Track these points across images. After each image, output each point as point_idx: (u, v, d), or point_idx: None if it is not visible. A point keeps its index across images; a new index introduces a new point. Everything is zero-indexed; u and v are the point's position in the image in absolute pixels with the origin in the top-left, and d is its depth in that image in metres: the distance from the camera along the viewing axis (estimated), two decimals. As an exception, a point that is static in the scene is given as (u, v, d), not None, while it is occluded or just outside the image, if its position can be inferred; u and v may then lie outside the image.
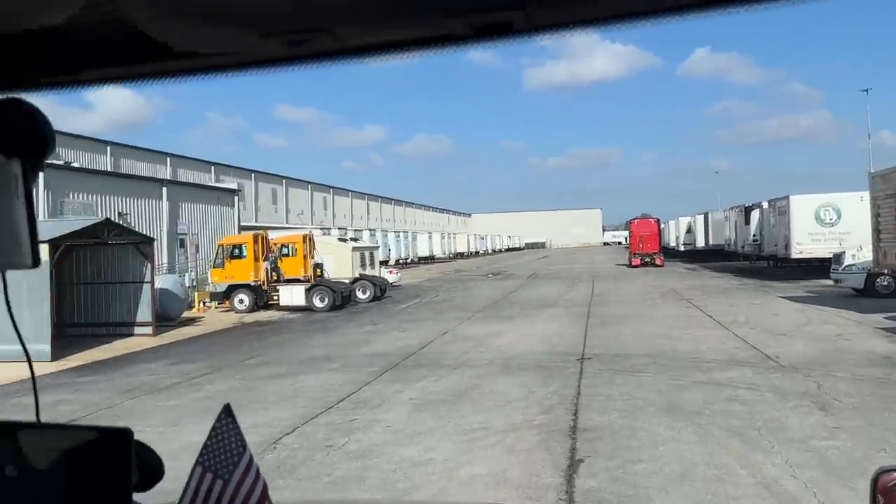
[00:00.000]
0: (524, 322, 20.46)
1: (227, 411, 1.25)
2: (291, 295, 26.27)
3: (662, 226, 57.90)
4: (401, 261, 79.04)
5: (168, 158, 58.97)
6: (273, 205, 78.34)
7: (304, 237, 29.42)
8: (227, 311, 26.64)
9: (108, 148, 51.72)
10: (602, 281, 38.10)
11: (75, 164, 35.13)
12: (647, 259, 51.62)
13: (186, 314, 26.34)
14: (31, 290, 15.82)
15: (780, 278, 33.19)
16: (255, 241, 26.93)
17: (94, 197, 29.48)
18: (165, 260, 33.03)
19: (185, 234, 35.13)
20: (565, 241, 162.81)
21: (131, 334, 19.81)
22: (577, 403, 10.20)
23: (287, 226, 60.97)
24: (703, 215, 58.89)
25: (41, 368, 15.13)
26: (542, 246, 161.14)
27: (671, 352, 14.32)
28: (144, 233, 32.23)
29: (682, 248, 65.30)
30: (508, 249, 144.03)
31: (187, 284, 28.94)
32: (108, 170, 41.07)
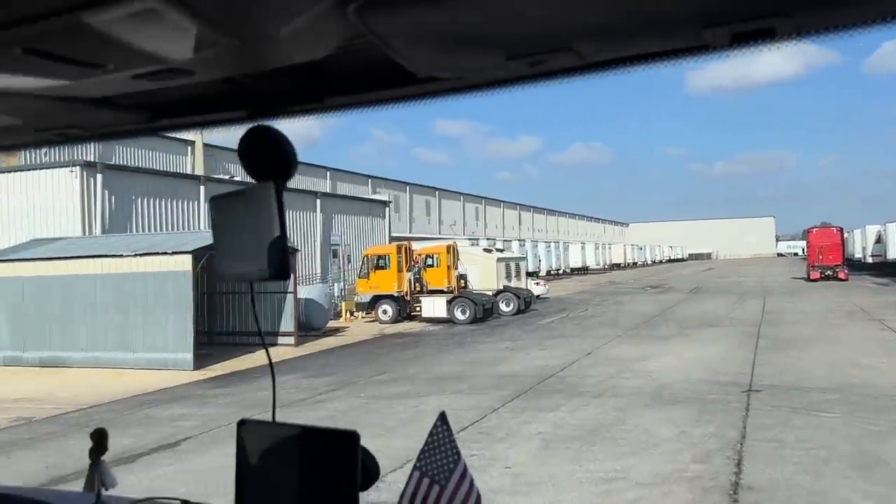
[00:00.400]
0: (681, 343, 18.34)
1: (442, 418, 1.38)
2: (433, 306, 25.70)
3: (846, 235, 51.82)
4: (552, 272, 77.32)
5: (328, 172, 61.42)
6: (427, 216, 79.52)
7: (448, 248, 28.85)
8: (372, 321, 26.56)
9: (327, 173, 54.42)
10: (775, 296, 34.35)
11: (237, 178, 37.08)
12: (829, 272, 46.31)
13: (333, 324, 26.58)
14: (177, 300, 16.22)
15: None
16: (399, 252, 26.69)
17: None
18: (318, 270, 33.89)
19: (338, 244, 35.88)
20: (734, 251, 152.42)
21: (275, 344, 19.99)
22: (741, 450, 8.39)
23: (439, 236, 61.23)
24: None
25: (182, 377, 15.39)
26: (707, 257, 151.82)
27: (863, 386, 11.88)
28: (298, 244, 33.36)
29: (870, 259, 58.22)
30: (670, 261, 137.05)
31: (337, 294, 29.32)
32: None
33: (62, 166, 22.19)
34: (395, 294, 26.26)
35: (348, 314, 27.73)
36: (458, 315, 25.34)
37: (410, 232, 69.92)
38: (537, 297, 37.66)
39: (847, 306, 27.26)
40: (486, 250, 34.60)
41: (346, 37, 0.79)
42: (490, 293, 28.70)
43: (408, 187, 75.34)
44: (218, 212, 1.16)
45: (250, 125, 1.05)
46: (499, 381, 13.40)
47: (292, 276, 20.23)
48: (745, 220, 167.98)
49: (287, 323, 20.18)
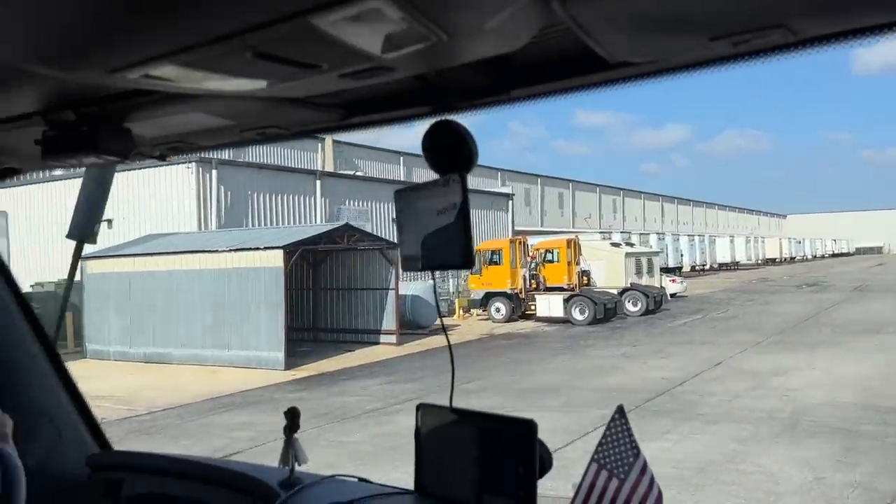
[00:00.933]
0: (833, 354, 15.54)
1: (620, 411, 1.39)
2: (549, 305, 23.98)
3: None
4: (697, 268, 72.43)
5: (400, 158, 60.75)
6: (559, 209, 77.14)
7: (569, 242, 26.96)
8: (486, 319, 25.27)
9: (402, 158, 54.58)
10: (959, 298, 29.43)
11: (359, 174, 37.09)
12: None
13: (447, 321, 25.57)
14: (268, 297, 15.75)
15: None
16: (513, 247, 25.16)
17: (369, 203, 30.38)
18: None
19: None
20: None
21: (377, 342, 19.23)
22: (898, 514, 6.28)
23: (572, 230, 58.88)
24: None
25: (274, 377, 14.86)
26: (877, 251, 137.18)
27: None
28: (416, 238, 32.84)
29: None
30: (833, 255, 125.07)
31: (452, 291, 28.31)
32: (392, 178, 42.78)
33: (179, 162, 22.66)
34: (509, 291, 24.78)
35: (462, 312, 26.57)
36: (576, 315, 23.46)
37: (542, 225, 68.04)
38: (673, 295, 34.80)
39: None
40: (613, 244, 32.30)
41: (541, 26, 0.79)
42: (615, 291, 26.52)
43: (539, 179, 73.36)
44: (403, 204, 1.18)
45: (435, 119, 1.07)
46: (601, 397, 11.63)
47: (393, 270, 19.38)
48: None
49: (389, 320, 19.34)
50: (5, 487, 1.16)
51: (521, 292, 24.98)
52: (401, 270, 23.22)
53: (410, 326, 21.52)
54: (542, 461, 1.38)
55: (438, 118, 1.08)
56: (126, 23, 0.69)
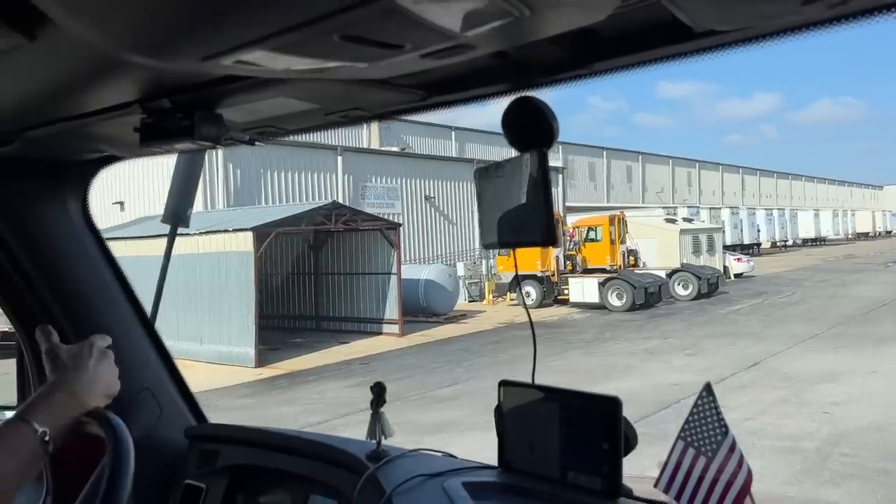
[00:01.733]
0: (905, 352, 12.75)
1: (708, 389, 1.28)
2: (583, 289, 21.61)
3: None
4: (779, 244, 67.56)
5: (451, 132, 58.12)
6: (628, 183, 73.29)
7: (612, 218, 24.43)
8: (516, 304, 23.14)
9: (453, 133, 52.45)
10: None
11: (411, 150, 35.28)
12: None
13: (474, 307, 23.64)
14: (238, 285, 14.21)
15: None
16: (544, 225, 22.84)
17: (399, 180, 28.59)
18: (477, 247, 31.13)
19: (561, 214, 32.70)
20: None
21: (380, 332, 17.49)
22: None
23: (642, 205, 55.45)
24: None
25: (242, 376, 13.34)
26: None
27: None
28: (452, 216, 30.77)
29: None
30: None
31: (484, 273, 26.21)
32: (435, 153, 40.70)
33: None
34: (539, 274, 22.51)
35: (491, 296, 24.48)
36: (613, 300, 21.01)
37: (608, 201, 64.69)
38: (739, 275, 31.71)
39: None
40: (668, 220, 29.41)
41: None
42: (663, 273, 23.85)
43: (605, 152, 69.71)
44: (483, 182, 1.17)
45: (514, 96, 1.06)
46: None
47: (395, 253, 17.52)
48: None
49: (392, 308, 17.53)
50: (115, 457, 1.19)
51: (553, 275, 22.67)
52: (481, 248, 21.53)
53: (425, 314, 19.69)
54: (626, 439, 1.34)
55: (518, 94, 1.06)
56: (218, 10, 0.71)
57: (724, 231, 33.52)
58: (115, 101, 1.15)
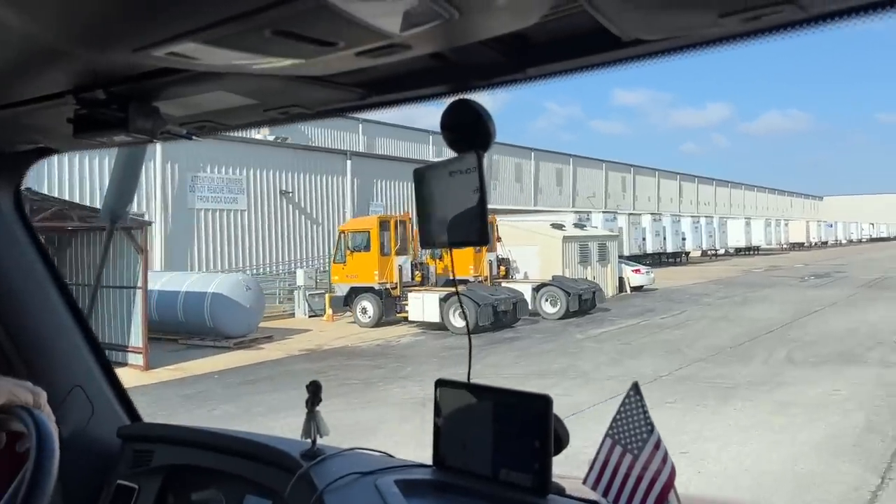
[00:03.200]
0: (755, 411, 9.47)
1: (635, 388, 1.32)
2: (423, 306, 18.02)
3: None
4: (710, 252, 65.54)
5: (430, 137, 54.69)
6: (557, 186, 70.47)
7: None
8: (353, 322, 19.46)
9: (360, 126, 48.62)
10: None
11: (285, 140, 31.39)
12: None
13: (309, 323, 19.89)
14: None
15: None
16: (383, 228, 19.19)
17: (247, 171, 24.68)
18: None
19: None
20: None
21: (125, 362, 13.59)
22: None
23: (569, 210, 52.28)
24: None
25: None
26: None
27: None
28: (317, 214, 26.91)
29: None
30: (871, 240, 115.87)
31: (301, 284, 22.14)
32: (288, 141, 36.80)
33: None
34: (378, 286, 18.87)
35: (331, 311, 20.69)
36: (455, 320, 17.49)
37: (535, 204, 61.81)
38: (639, 288, 28.65)
39: None
40: (555, 226, 26.11)
41: (553, 4, 0.79)
42: (530, 287, 20.49)
43: (532, 153, 66.73)
44: (421, 183, 1.19)
45: (453, 98, 1.08)
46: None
47: (142, 259, 13.62)
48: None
49: (136, 334, 13.61)
50: (39, 453, 1.16)
51: (396, 288, 19.05)
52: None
53: (215, 336, 15.87)
54: (558, 437, 1.37)
55: (457, 97, 1.08)
56: (149, 1, 0.72)
57: (619, 239, 30.32)
58: (47, 90, 1.14)
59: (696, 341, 15.55)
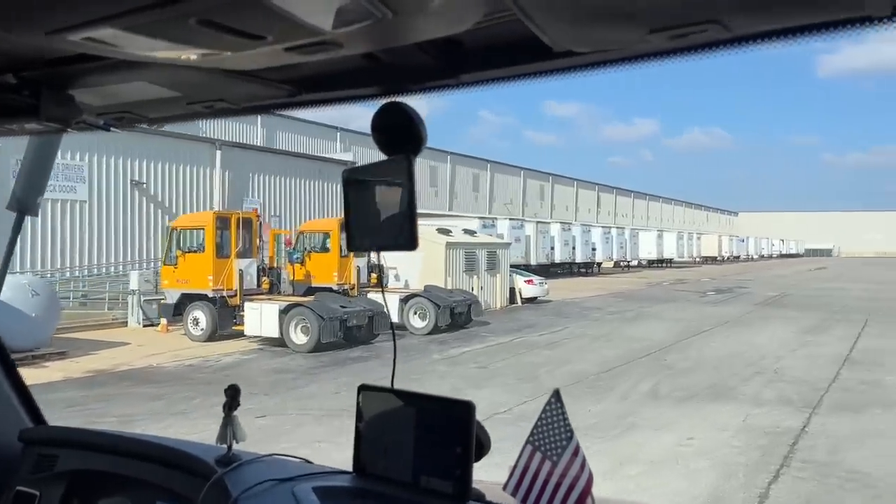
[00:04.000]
0: (594, 461, 7.41)
1: (556, 396, 1.34)
2: (261, 318, 15.55)
3: None
4: (622, 264, 65.23)
5: (338, 133, 52.16)
6: (474, 192, 68.95)
7: (342, 222, 18.63)
8: (185, 334, 16.80)
9: (259, 119, 45.54)
10: (885, 322, 21.89)
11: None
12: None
13: (135, 334, 17.14)
14: None
15: None
16: (222, 226, 16.64)
17: (90, 157, 21.65)
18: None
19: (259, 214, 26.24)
20: (858, 248, 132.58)
21: None
22: None
23: (482, 216, 50.33)
24: None
25: None
26: (826, 253, 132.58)
27: None
28: (174, 208, 24.04)
29: None
30: (781, 256, 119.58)
31: (134, 289, 19.09)
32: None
33: None
34: (212, 294, 16.30)
35: (164, 321, 17.89)
36: (297, 336, 15.11)
37: (450, 209, 60.00)
38: (532, 299, 26.96)
39: None
40: (441, 231, 24.09)
41: (486, 11, 0.79)
42: (397, 297, 18.34)
43: (449, 157, 64.96)
44: (350, 184, 1.18)
45: (385, 100, 1.07)
46: None
47: None
48: (874, 213, 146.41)
49: None
50: None
51: (237, 295, 16.51)
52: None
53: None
54: (480, 443, 1.38)
55: (389, 99, 1.07)
56: None
57: (510, 247, 28.59)
58: None
59: (562, 366, 13.71)
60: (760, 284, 41.86)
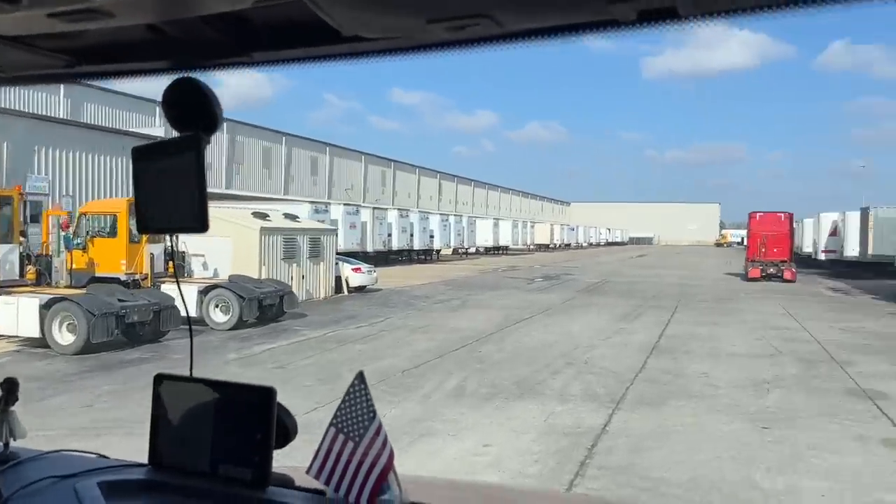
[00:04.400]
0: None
1: (360, 378, 1.31)
2: (17, 315, 13.13)
3: (795, 225, 41.10)
4: (461, 251, 65.79)
5: (157, 107, 47.84)
6: (312, 175, 66.59)
7: (131, 203, 16.36)
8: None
9: (62, 88, 40.55)
10: (692, 307, 22.94)
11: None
12: (772, 270, 35.59)
13: None
14: None
15: None
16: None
17: None
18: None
19: (43, 193, 22.86)
20: (676, 237, 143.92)
21: None
22: None
23: (326, 201, 47.90)
24: (858, 212, 41.51)
25: None
26: (648, 242, 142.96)
27: None
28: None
29: (821, 256, 47.85)
30: (608, 244, 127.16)
31: None
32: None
33: None
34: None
35: None
36: (59, 336, 12.87)
37: (286, 193, 57.36)
38: (361, 288, 25.75)
39: (798, 339, 15.87)
40: (257, 214, 22.23)
41: None
42: (195, 288, 16.42)
43: (284, 138, 62.14)
44: (139, 162, 1.14)
45: (176, 76, 1.04)
46: None
47: None
48: (690, 205, 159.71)
49: None
50: None
51: (-10, 287, 13.86)
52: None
53: None
54: (286, 428, 1.35)
55: (179, 75, 1.04)
56: None
57: (335, 233, 27.28)
58: None
59: (371, 362, 12.63)
60: (585, 271, 43.47)
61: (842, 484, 6.62)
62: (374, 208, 45.60)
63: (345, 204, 41.84)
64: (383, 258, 45.24)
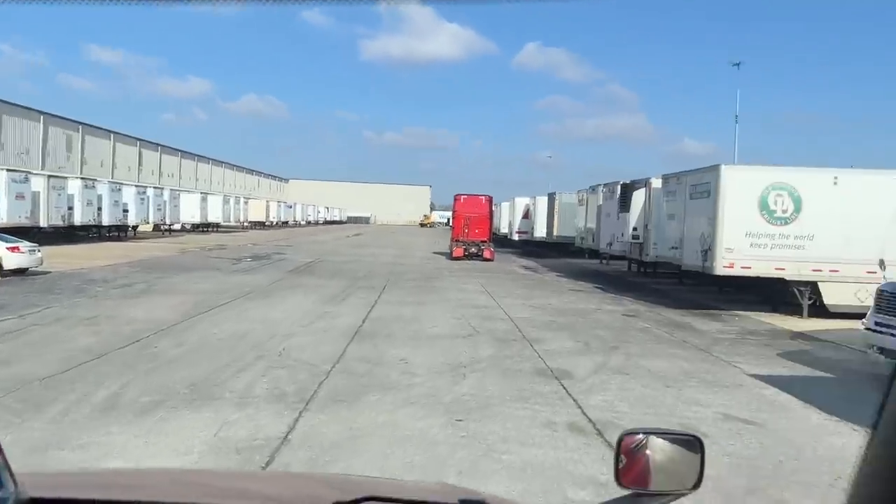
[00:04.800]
0: None
1: None
2: None
3: (494, 207, 44.14)
4: (163, 227, 60.00)
5: None
6: (-27, 137, 55.50)
7: None
8: None
9: None
10: (400, 286, 22.85)
11: None
12: (473, 249, 37.68)
13: None
14: None
15: (690, 304, 19.78)
16: None
17: None
18: None
19: None
20: (391, 217, 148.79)
21: None
22: None
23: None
24: (546, 197, 45.83)
25: None
26: (365, 221, 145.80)
27: None
28: None
29: (515, 236, 52.26)
30: (326, 222, 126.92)
31: None
32: None
33: None
34: None
35: None
36: None
37: (-67, 155, 46.90)
38: (23, 271, 21.39)
39: (494, 317, 16.29)
40: None
41: None
42: None
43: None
44: None
45: None
46: None
47: None
48: (404, 186, 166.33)
49: None
50: None
51: None
52: None
53: None
54: None
55: None
56: None
57: (31, 207, 22.49)
58: None
59: (15, 364, 9.92)
60: (299, 251, 42.12)
61: (530, 483, 6.17)
62: (51, 176, 39.19)
63: (8, 170, 35.18)
64: (64, 235, 39.23)
